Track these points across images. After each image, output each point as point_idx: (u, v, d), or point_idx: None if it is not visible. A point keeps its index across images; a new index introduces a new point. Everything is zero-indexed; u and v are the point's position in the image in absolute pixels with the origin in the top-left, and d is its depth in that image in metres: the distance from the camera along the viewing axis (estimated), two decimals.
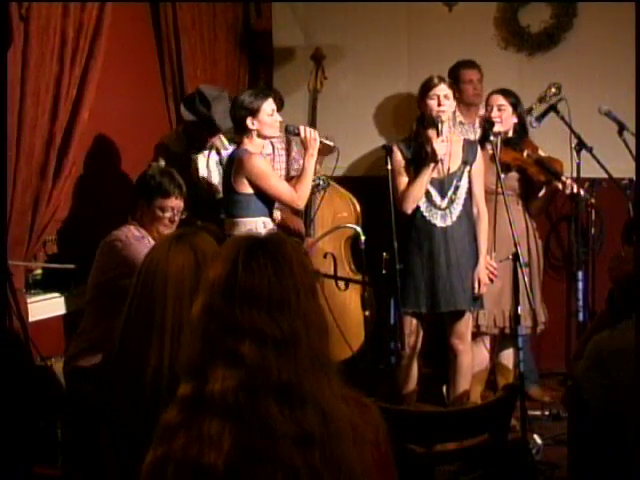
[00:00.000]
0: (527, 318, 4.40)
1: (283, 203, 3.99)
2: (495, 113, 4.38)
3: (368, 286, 4.16)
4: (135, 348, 1.98)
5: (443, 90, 4.09)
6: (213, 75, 5.34)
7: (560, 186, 4.36)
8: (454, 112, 4.32)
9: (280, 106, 4.47)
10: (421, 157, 4.13)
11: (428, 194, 4.14)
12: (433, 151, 4.01)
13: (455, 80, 4.90)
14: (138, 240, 3.50)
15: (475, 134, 4.91)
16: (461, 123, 5.03)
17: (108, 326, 3.31)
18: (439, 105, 4.07)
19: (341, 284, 4.72)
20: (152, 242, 3.53)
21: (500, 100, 4.41)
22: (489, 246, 4.30)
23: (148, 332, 1.95)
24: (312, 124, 5.00)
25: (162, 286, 1.97)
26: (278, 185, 3.93)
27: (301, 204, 4.02)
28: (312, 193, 4.49)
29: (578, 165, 4.28)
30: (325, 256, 4.76)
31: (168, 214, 3.55)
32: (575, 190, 4.35)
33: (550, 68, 5.35)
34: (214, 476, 1.44)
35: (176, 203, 3.57)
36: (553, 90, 4.76)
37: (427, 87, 4.11)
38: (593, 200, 4.57)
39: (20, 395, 3.17)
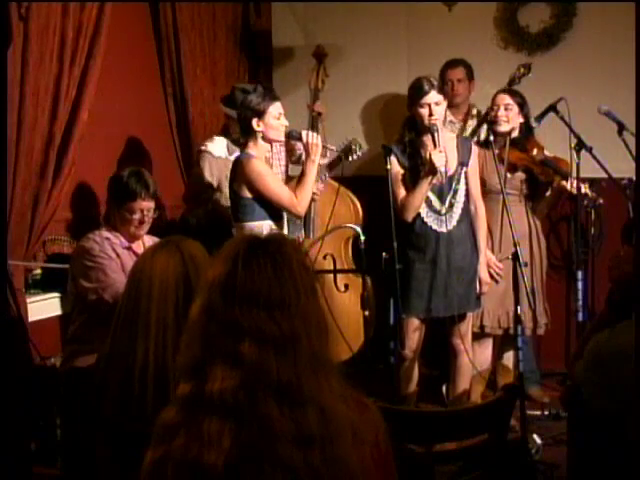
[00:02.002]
0: (528, 319, 4.40)
1: (283, 208, 3.97)
2: (502, 112, 4.38)
3: (367, 279, 4.14)
4: (123, 347, 1.99)
5: (434, 98, 4.01)
6: (213, 75, 5.34)
7: (568, 186, 4.35)
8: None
9: None
10: (417, 163, 4.10)
11: (427, 200, 4.10)
12: (432, 164, 3.96)
13: (442, 79, 4.89)
14: (104, 244, 3.47)
15: (463, 132, 4.91)
16: (451, 122, 5.01)
17: (92, 329, 3.37)
18: (430, 115, 4.00)
19: (341, 285, 4.72)
20: (124, 241, 3.53)
21: (507, 99, 4.41)
22: (494, 246, 4.31)
23: (134, 329, 1.97)
24: (313, 125, 4.97)
25: (147, 284, 1.99)
26: (278, 189, 3.91)
27: (301, 210, 3.98)
28: (346, 158, 4.45)
29: (578, 165, 4.27)
30: (325, 257, 4.76)
31: (137, 216, 3.47)
32: (582, 190, 4.35)
33: (549, 68, 5.36)
34: (214, 476, 1.44)
35: (144, 204, 3.47)
36: (522, 70, 4.71)
37: (417, 95, 4.03)
38: (601, 200, 4.55)
39: (19, 395, 3.16)
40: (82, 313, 3.50)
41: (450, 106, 4.89)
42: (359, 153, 4.49)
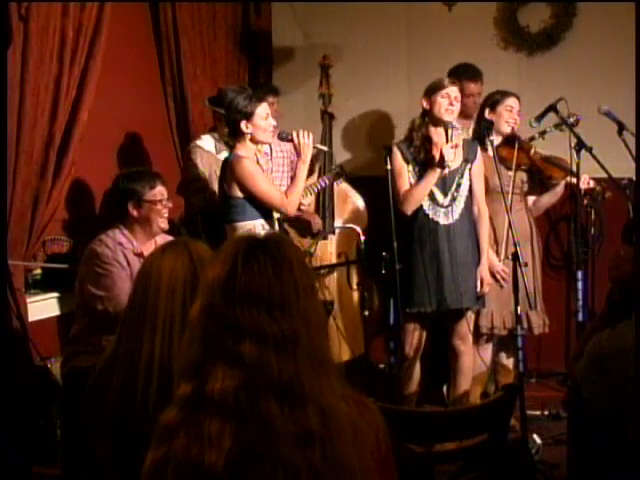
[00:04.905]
0: (535, 318, 4.42)
1: (273, 208, 3.98)
2: (516, 117, 4.40)
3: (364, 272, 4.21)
4: (129, 344, 1.99)
5: (454, 92, 4.11)
6: (213, 75, 5.34)
7: (582, 182, 4.34)
8: None
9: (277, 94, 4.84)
10: (422, 158, 4.13)
11: (430, 193, 4.14)
12: (442, 157, 4.01)
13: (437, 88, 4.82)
14: (117, 250, 3.46)
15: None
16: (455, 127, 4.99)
17: (93, 333, 3.37)
18: (450, 105, 4.07)
19: (354, 283, 4.78)
20: (137, 245, 3.52)
21: (518, 104, 4.43)
22: (499, 247, 4.32)
23: (141, 328, 1.97)
24: (326, 126, 4.99)
25: (156, 283, 2.00)
26: (268, 189, 3.93)
27: (291, 210, 4.02)
28: (333, 182, 4.69)
29: (578, 165, 4.28)
30: (339, 256, 4.82)
31: (163, 202, 3.55)
32: (591, 185, 4.38)
33: (549, 68, 5.36)
34: (214, 476, 1.44)
35: (164, 189, 3.58)
36: (572, 119, 4.53)
37: (439, 86, 4.12)
38: (609, 193, 4.53)
39: (19, 395, 3.16)
40: (85, 316, 3.49)
41: (466, 118, 4.85)
42: (342, 179, 4.79)
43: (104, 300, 3.36)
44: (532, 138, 4.49)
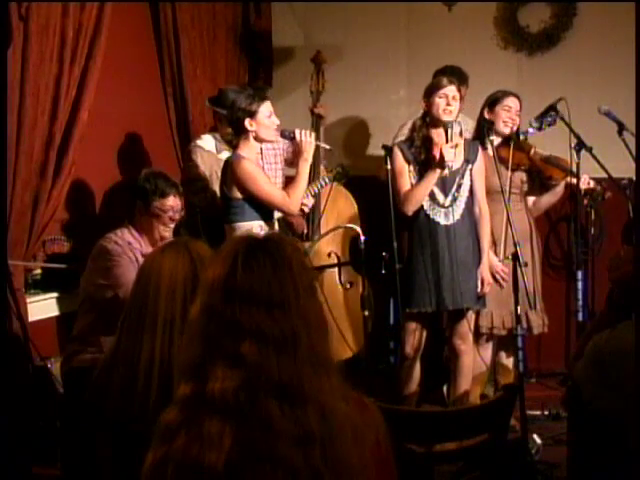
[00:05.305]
0: (534, 318, 4.42)
1: (275, 208, 3.98)
2: (514, 117, 4.39)
3: (356, 271, 4.18)
4: (129, 344, 1.99)
5: (452, 91, 4.10)
6: (213, 75, 5.34)
7: (582, 183, 4.34)
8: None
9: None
10: (423, 158, 4.13)
11: (431, 193, 4.14)
12: (442, 157, 4.01)
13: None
14: (126, 248, 3.49)
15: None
16: None
17: (97, 330, 3.37)
18: (447, 105, 4.07)
19: (345, 283, 4.76)
20: (144, 246, 3.54)
21: (518, 105, 4.42)
22: (498, 247, 4.32)
23: (141, 327, 1.98)
24: (315, 127, 4.98)
25: (156, 282, 2.00)
26: (269, 189, 3.92)
27: (294, 209, 4.02)
28: (333, 181, 4.64)
29: (578, 165, 4.28)
30: (329, 255, 4.80)
31: (169, 214, 3.58)
32: (591, 185, 4.37)
33: (549, 68, 5.36)
34: (214, 476, 1.44)
35: (175, 202, 3.60)
36: (549, 119, 4.51)
37: (436, 86, 4.12)
38: (609, 193, 4.53)
39: (19, 395, 3.16)
40: (90, 312, 3.50)
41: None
42: (343, 180, 4.75)
43: (114, 287, 3.39)
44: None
